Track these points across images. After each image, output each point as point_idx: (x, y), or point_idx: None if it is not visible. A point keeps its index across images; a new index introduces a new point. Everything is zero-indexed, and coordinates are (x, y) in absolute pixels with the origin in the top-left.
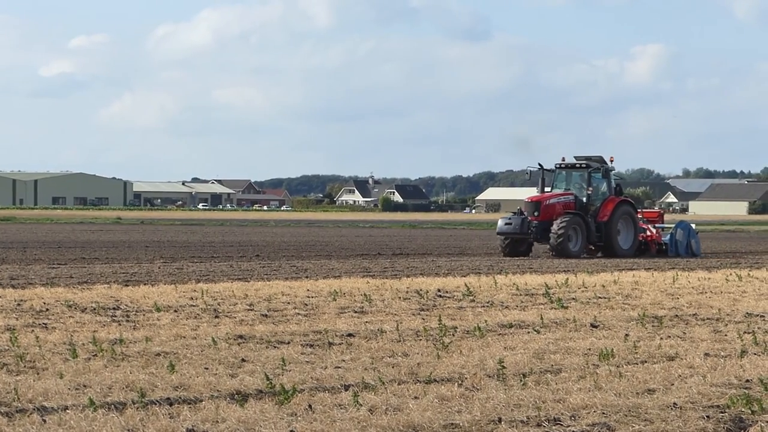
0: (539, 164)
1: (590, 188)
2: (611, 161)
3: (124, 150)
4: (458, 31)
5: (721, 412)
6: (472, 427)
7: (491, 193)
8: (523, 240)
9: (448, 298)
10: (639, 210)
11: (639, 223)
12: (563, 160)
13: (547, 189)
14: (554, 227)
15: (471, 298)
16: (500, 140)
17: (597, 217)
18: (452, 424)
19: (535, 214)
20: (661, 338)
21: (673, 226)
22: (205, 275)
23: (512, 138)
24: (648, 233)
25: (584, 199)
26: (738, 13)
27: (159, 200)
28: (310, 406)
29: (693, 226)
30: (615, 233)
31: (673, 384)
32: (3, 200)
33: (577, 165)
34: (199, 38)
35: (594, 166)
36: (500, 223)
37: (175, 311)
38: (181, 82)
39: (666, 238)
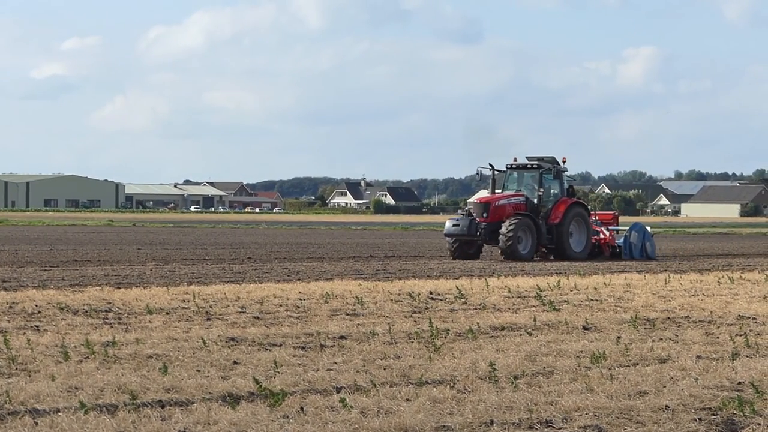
0: (490, 164)
1: (541, 189)
2: (564, 162)
3: (116, 152)
4: (450, 34)
5: (713, 415)
6: (464, 430)
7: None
8: (471, 242)
9: (440, 300)
10: (592, 212)
11: (592, 226)
12: (515, 160)
13: (498, 190)
14: (503, 229)
15: (463, 300)
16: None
17: (548, 219)
18: (444, 426)
19: (484, 215)
20: (653, 340)
21: (627, 228)
22: (197, 278)
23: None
24: (601, 236)
25: (535, 201)
26: (729, 15)
27: (151, 202)
28: (302, 408)
29: (648, 228)
30: (567, 235)
31: (665, 386)
32: None
33: (529, 165)
34: (191, 41)
35: (546, 167)
36: (447, 224)
37: (167, 314)
38: (173, 84)
39: (620, 240)
